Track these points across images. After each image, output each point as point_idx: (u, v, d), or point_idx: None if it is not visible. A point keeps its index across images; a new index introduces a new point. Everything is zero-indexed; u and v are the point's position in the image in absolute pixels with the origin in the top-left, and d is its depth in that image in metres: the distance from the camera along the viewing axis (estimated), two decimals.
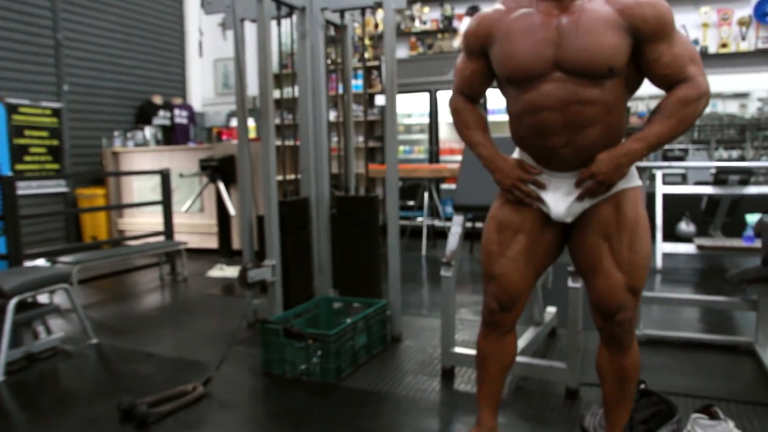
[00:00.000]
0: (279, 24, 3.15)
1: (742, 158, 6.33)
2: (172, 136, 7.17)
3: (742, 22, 6.01)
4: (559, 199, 1.69)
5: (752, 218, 4.07)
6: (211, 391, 2.53)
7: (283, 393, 2.53)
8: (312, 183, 3.27)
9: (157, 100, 7.29)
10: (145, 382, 2.69)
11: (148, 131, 6.63)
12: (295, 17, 3.23)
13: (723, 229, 4.94)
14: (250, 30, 7.52)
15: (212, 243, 5.82)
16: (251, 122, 6.17)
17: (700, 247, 4.00)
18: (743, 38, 6.01)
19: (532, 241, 1.74)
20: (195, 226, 5.90)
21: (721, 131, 9.60)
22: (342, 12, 3.29)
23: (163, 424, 2.26)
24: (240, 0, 3.26)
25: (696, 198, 5.00)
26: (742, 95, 11.37)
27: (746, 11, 6.03)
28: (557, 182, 1.70)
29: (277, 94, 4.42)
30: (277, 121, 6.67)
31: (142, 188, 6.16)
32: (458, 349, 2.67)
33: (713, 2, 6.05)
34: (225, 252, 5.53)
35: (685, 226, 5.13)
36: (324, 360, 2.60)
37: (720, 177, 4.60)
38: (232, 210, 5.28)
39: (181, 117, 7.44)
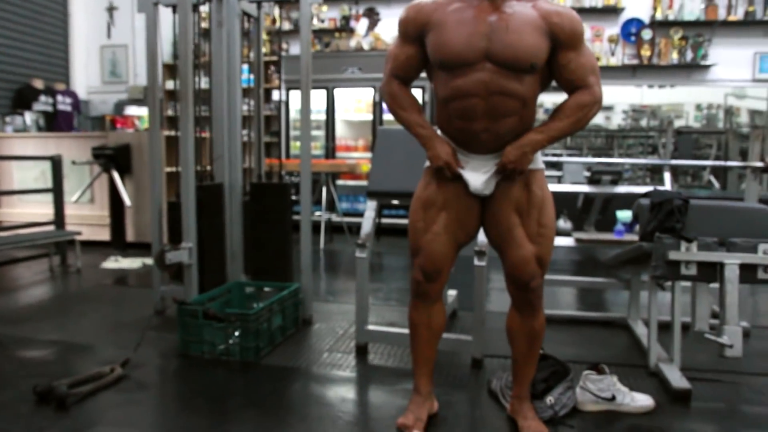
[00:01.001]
0: (195, 11, 3.16)
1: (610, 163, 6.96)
2: (54, 123, 6.80)
3: (611, 40, 6.68)
4: (478, 177, 1.90)
5: (622, 214, 4.56)
6: (130, 373, 2.52)
7: (203, 372, 2.58)
8: (226, 170, 3.31)
9: (38, 84, 6.90)
10: (55, 367, 2.63)
11: (29, 117, 6.25)
12: (211, 5, 3.25)
13: (596, 224, 5.48)
14: (139, 18, 7.29)
15: (103, 235, 5.60)
16: (146, 111, 6.00)
17: (577, 240, 4.45)
18: (612, 54, 6.67)
19: (454, 218, 1.94)
20: (85, 218, 5.65)
21: (590, 139, 10.50)
22: (259, 3, 3.37)
23: (83, 405, 2.24)
24: None
25: (572, 197, 5.52)
26: (608, 108, 12.46)
27: (615, 30, 6.70)
28: (475, 163, 1.91)
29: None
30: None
31: (25, 178, 5.79)
32: (372, 327, 2.84)
33: (587, 20, 6.67)
34: (118, 244, 5.36)
35: (563, 223, 5.62)
36: (244, 339, 2.67)
37: (594, 177, 5.11)
38: (127, 200, 5.14)
39: (64, 104, 7.08)
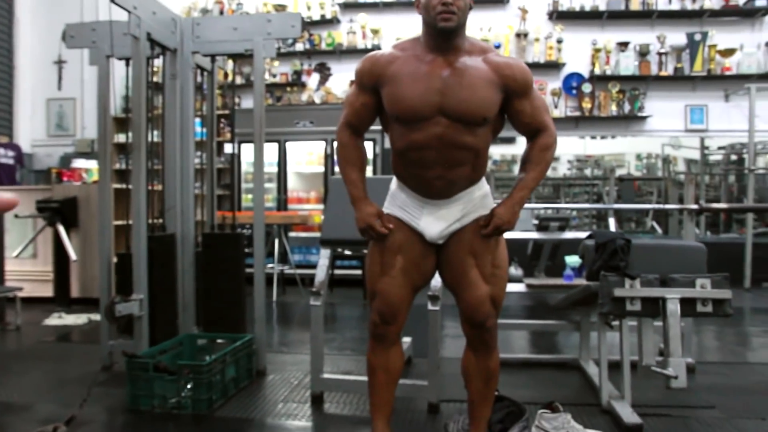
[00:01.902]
0: (149, 64, 3.18)
1: (557, 211, 7.18)
2: None
3: (554, 93, 6.99)
4: (432, 223, 1.96)
5: (570, 259, 4.68)
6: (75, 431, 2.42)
7: (153, 427, 2.50)
8: (178, 220, 3.28)
9: None
10: None
11: None
12: (165, 58, 3.28)
13: (546, 270, 5.61)
14: (88, 70, 7.26)
15: (46, 291, 5.41)
16: (94, 164, 5.92)
17: (529, 286, 4.52)
18: (555, 106, 6.97)
19: (410, 261, 1.98)
20: (27, 273, 5.45)
21: (537, 188, 10.78)
22: (213, 57, 3.42)
23: None
24: (105, 36, 3.23)
25: (522, 244, 5.66)
26: (554, 158, 12.79)
27: (557, 84, 7.03)
28: (431, 208, 1.97)
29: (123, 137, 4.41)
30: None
31: None
32: (327, 375, 2.81)
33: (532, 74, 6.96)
34: (63, 299, 5.19)
35: (514, 270, 5.72)
36: (196, 391, 2.61)
37: (542, 224, 5.26)
38: (73, 254, 4.99)
39: (6, 157, 6.93)
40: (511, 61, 1.92)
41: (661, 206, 6.33)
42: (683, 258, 2.52)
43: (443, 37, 1.85)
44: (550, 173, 10.92)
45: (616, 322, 2.63)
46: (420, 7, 1.88)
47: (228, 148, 7.16)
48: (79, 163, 5.73)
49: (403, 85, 1.86)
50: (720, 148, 8.68)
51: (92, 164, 5.75)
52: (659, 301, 2.30)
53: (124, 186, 4.51)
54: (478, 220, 1.96)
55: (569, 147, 11.28)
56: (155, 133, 3.38)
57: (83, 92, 7.75)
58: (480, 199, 1.99)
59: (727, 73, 6.89)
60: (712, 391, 2.97)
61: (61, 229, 5.02)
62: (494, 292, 1.95)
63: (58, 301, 5.15)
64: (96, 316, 4.58)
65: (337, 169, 6.97)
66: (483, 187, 2.02)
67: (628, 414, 2.45)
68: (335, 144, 2.08)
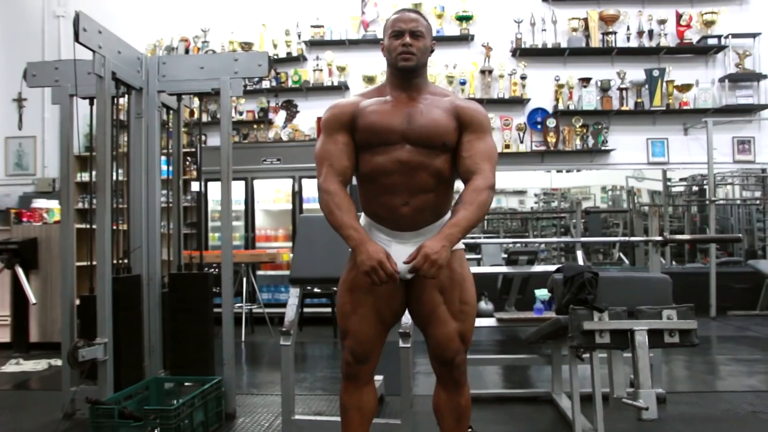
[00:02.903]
0: (115, 103, 3.15)
1: (526, 245, 7.24)
2: None
3: (519, 128, 7.11)
4: (400, 259, 1.95)
5: (540, 293, 4.70)
6: None
7: None
8: (144, 261, 3.22)
9: None
10: None
11: None
12: (130, 97, 3.26)
13: (516, 304, 5.63)
14: (49, 109, 7.18)
15: (3, 336, 5.22)
16: (55, 204, 5.80)
17: (499, 320, 4.52)
18: (521, 141, 7.09)
19: (380, 298, 1.98)
20: None
21: (506, 223, 10.94)
22: (179, 95, 3.41)
23: None
24: (68, 75, 3.19)
25: (492, 278, 5.69)
26: (521, 192, 13.09)
27: (522, 119, 7.17)
28: (398, 245, 1.98)
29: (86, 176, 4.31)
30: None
31: None
32: (298, 416, 2.76)
33: (497, 110, 7.10)
34: (21, 345, 5.02)
35: (484, 304, 5.73)
36: None
37: (511, 258, 5.30)
38: (32, 297, 4.84)
39: None
40: (471, 102, 2.04)
41: (626, 239, 6.44)
42: (649, 289, 2.56)
43: (404, 75, 1.99)
44: (517, 207, 11.08)
45: (586, 355, 2.64)
46: (384, 50, 2.03)
47: (194, 186, 7.09)
48: (39, 203, 5.60)
49: (371, 115, 1.97)
50: (682, 179, 8.91)
51: (53, 204, 5.63)
52: (627, 333, 2.32)
53: (86, 226, 4.43)
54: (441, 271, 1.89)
55: (536, 181, 11.44)
56: (119, 171, 3.34)
57: (44, 130, 7.64)
58: None
59: (685, 107, 7.10)
60: (682, 420, 3.00)
61: (20, 271, 4.89)
62: (463, 328, 1.96)
63: (16, 346, 4.99)
64: (56, 362, 4.43)
65: (306, 206, 6.99)
66: None
67: None
68: (322, 195, 1.97)
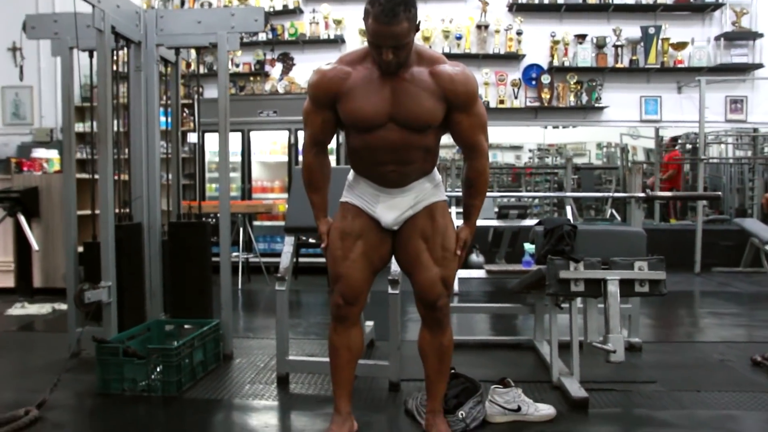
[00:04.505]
0: (114, 56, 3.21)
1: (519, 199, 7.38)
2: None
3: (514, 84, 7.16)
4: (387, 211, 2.12)
5: (529, 246, 4.86)
6: (46, 415, 2.49)
7: (124, 409, 2.58)
8: (145, 210, 3.34)
9: None
10: None
11: None
12: (129, 51, 3.32)
13: (506, 257, 5.79)
14: (45, 59, 7.15)
15: (7, 281, 5.38)
16: (54, 154, 5.88)
17: (489, 272, 4.70)
18: (516, 97, 7.14)
19: (369, 245, 2.13)
20: None
21: (501, 178, 11.04)
22: (177, 49, 3.47)
23: None
24: (67, 28, 3.24)
25: (483, 232, 5.83)
26: (518, 147, 13.13)
27: (517, 75, 7.20)
28: (385, 197, 2.12)
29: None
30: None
31: None
32: (292, 357, 2.93)
33: (492, 66, 7.13)
34: (25, 289, 5.17)
35: (475, 257, 5.90)
36: (165, 374, 2.69)
37: (502, 212, 5.44)
38: (35, 244, 4.97)
39: None
40: (454, 74, 2.00)
41: (609, 194, 6.58)
42: (625, 242, 2.70)
43: (388, 72, 1.99)
44: (512, 161, 11.12)
45: (566, 304, 2.79)
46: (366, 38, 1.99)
47: (192, 137, 7.15)
48: (39, 153, 5.69)
49: (358, 100, 2.01)
50: (674, 138, 8.99)
51: (53, 154, 5.72)
52: (601, 282, 2.47)
53: (86, 176, 4.51)
54: (429, 207, 2.13)
55: (530, 136, 11.49)
56: (119, 122, 3.42)
57: (40, 81, 7.63)
58: (431, 188, 2.16)
59: (680, 65, 7.13)
60: (655, 367, 3.18)
61: (22, 219, 5.00)
62: (444, 273, 2.11)
63: (21, 291, 5.14)
64: (60, 306, 4.59)
65: (301, 158, 7.07)
66: (434, 178, 2.19)
67: (575, 389, 2.62)
68: (303, 165, 2.22)
